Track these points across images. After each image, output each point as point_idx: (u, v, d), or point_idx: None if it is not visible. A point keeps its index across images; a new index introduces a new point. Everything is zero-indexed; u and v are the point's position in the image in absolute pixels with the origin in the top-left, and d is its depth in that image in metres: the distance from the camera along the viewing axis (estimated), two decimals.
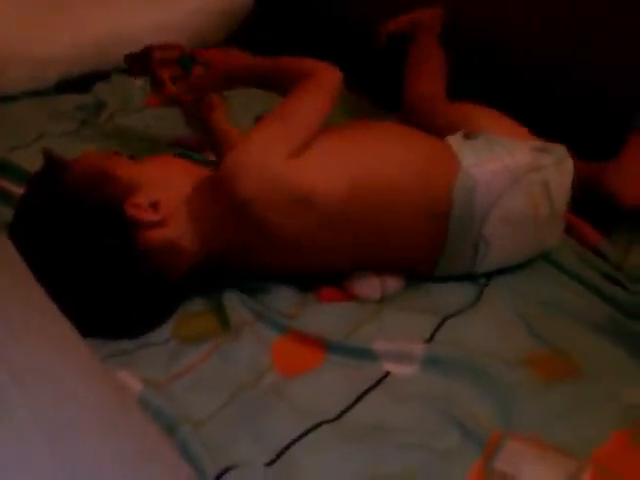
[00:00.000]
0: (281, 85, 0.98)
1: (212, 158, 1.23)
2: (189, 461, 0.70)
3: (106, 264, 0.84)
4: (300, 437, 0.76)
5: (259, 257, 0.93)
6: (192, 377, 0.83)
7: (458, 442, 0.76)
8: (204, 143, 1.24)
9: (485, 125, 1.04)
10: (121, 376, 0.79)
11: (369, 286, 0.97)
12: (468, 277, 1.01)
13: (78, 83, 1.47)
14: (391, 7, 1.43)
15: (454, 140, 1.03)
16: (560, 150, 1.02)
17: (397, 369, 0.85)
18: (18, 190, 1.10)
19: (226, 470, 0.71)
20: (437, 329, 0.91)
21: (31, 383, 0.54)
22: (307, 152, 0.91)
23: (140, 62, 1.15)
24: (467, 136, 1.03)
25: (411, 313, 0.94)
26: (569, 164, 1.01)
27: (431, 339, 0.90)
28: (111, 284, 0.85)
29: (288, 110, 0.93)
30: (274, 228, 0.88)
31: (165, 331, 0.90)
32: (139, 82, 1.49)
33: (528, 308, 0.96)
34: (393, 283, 0.98)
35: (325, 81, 0.97)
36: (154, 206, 0.87)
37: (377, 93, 1.47)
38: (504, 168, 0.96)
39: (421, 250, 0.97)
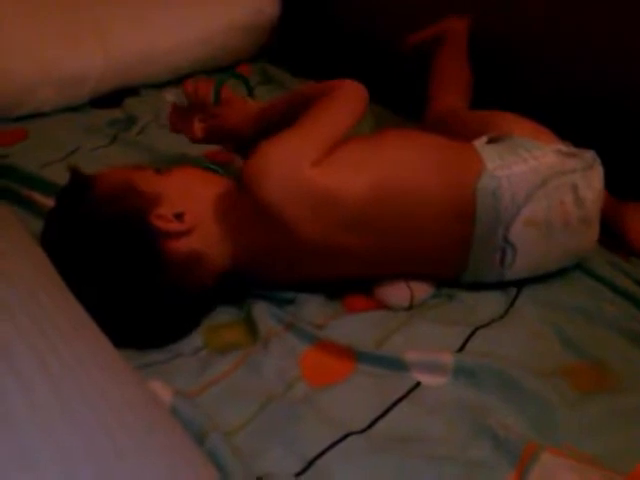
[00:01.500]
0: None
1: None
2: (219, 470, 0.70)
3: (132, 275, 0.85)
4: (330, 447, 0.75)
5: (285, 264, 0.93)
6: (222, 387, 0.83)
7: (491, 453, 0.75)
8: (232, 158, 1.24)
9: (508, 129, 1.03)
10: (153, 386, 0.79)
11: (398, 294, 0.96)
12: (499, 286, 1.00)
13: (109, 99, 1.50)
14: (415, 22, 1.43)
15: (478, 143, 1.01)
16: (589, 155, 0.99)
17: (428, 379, 0.84)
18: (50, 203, 1.13)
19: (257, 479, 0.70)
20: (468, 339, 0.90)
21: (66, 388, 0.55)
22: (330, 158, 0.91)
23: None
24: (491, 140, 1.02)
25: (442, 323, 0.93)
26: (599, 170, 0.99)
27: (462, 349, 0.89)
28: (138, 294, 0.85)
29: (313, 118, 0.94)
30: (298, 230, 0.88)
31: (196, 341, 0.90)
32: (169, 97, 1.51)
33: (560, 317, 0.95)
34: (422, 291, 0.97)
35: (351, 93, 0.98)
36: (179, 217, 0.88)
37: (400, 105, 1.46)
38: (529, 170, 0.94)
39: (447, 253, 0.96)
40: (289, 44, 1.74)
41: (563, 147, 1.00)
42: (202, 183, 0.95)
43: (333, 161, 0.91)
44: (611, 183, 1.03)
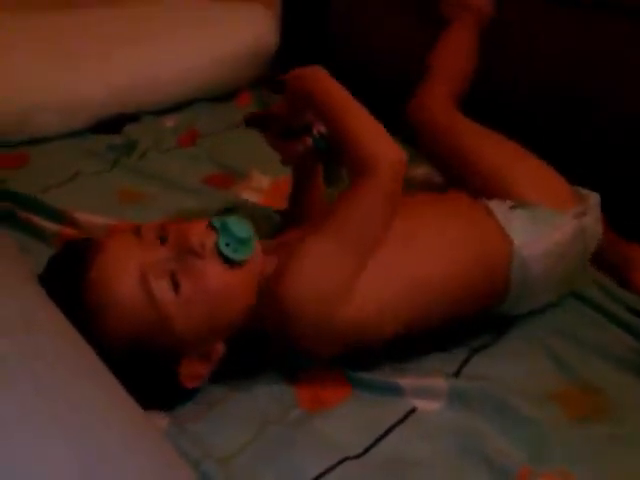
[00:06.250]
0: (337, 140, 0.89)
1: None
2: None
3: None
4: (326, 472, 0.75)
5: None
6: (217, 413, 0.84)
7: (486, 478, 0.75)
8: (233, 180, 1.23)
9: (522, 191, 0.98)
10: (148, 412, 0.79)
11: None
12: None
13: (109, 125, 1.52)
14: (412, 55, 1.40)
15: (499, 210, 0.96)
16: (594, 200, 0.99)
17: (423, 404, 0.84)
18: (50, 226, 1.14)
19: None
20: (464, 364, 0.91)
21: (62, 407, 0.55)
22: (366, 276, 0.84)
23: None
24: (512, 207, 0.97)
25: (437, 348, 0.93)
26: (599, 211, 1.00)
27: (458, 374, 0.89)
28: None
29: (347, 228, 0.84)
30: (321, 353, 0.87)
31: None
32: (169, 123, 1.53)
33: (553, 342, 0.95)
34: None
35: (389, 180, 0.84)
36: (206, 356, 0.81)
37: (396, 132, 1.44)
38: (554, 246, 0.93)
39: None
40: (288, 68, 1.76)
41: (578, 208, 0.98)
42: (229, 291, 0.81)
43: (369, 281, 0.84)
44: (617, 223, 1.07)
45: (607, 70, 1.27)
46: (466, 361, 0.91)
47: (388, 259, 0.85)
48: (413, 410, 0.84)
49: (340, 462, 0.76)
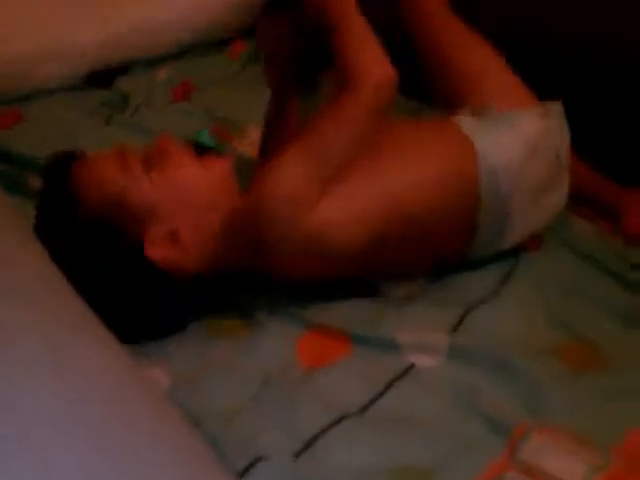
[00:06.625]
0: (334, 52, 0.91)
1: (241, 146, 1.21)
2: (217, 452, 0.71)
3: (126, 286, 0.85)
4: (327, 428, 0.77)
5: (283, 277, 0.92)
6: (220, 370, 0.85)
7: (483, 433, 0.76)
8: (229, 135, 1.23)
9: (491, 95, 1.03)
10: (151, 372, 0.81)
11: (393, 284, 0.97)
12: (490, 266, 1.00)
13: (100, 78, 1.49)
14: None
15: (465, 122, 1.00)
16: (558, 108, 1.03)
17: (422, 361, 0.85)
18: None
19: (256, 461, 0.72)
20: (461, 320, 0.91)
21: (67, 380, 0.56)
22: (336, 184, 0.87)
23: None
24: (475, 113, 1.02)
25: (435, 304, 0.94)
26: (564, 120, 1.03)
27: (455, 330, 0.90)
28: (126, 292, 0.85)
29: (325, 138, 0.87)
30: (289, 270, 0.89)
31: (194, 326, 0.91)
32: (162, 76, 1.51)
33: (550, 297, 0.96)
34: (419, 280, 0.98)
35: (370, 96, 0.87)
36: (173, 236, 0.86)
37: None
38: (517, 140, 0.97)
39: (451, 247, 0.97)
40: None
41: (540, 109, 1.02)
42: (198, 182, 0.89)
43: (338, 190, 0.87)
44: (612, 169, 1.06)
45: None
46: (464, 317, 0.91)
47: (359, 173, 0.88)
48: (411, 366, 0.85)
49: (341, 418, 0.78)
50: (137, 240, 0.84)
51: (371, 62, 0.88)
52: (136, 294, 0.85)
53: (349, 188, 0.87)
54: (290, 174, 0.85)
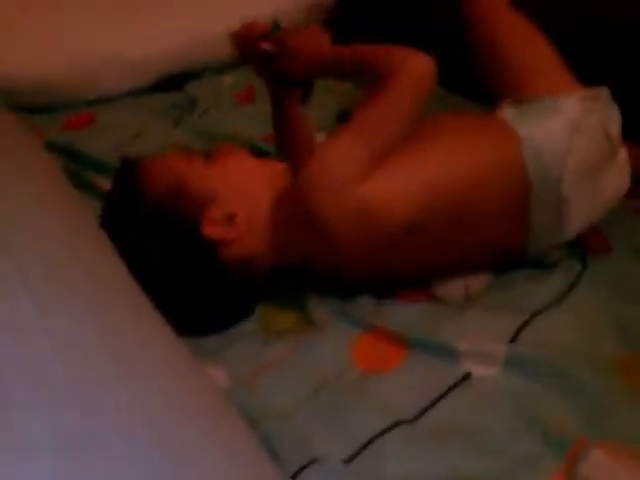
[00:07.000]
0: (367, 76, 0.96)
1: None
2: (271, 454, 0.73)
3: (185, 270, 0.88)
4: (379, 434, 0.77)
5: (333, 267, 0.94)
6: (277, 371, 0.86)
7: (540, 447, 0.75)
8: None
9: (541, 94, 1.03)
10: (210, 372, 0.82)
11: (451, 286, 0.96)
12: (557, 269, 0.99)
13: (170, 83, 1.53)
14: None
15: (507, 114, 1.02)
16: (604, 92, 1.02)
17: (479, 370, 0.84)
18: None
19: (309, 463, 0.73)
20: (522, 328, 0.89)
21: (133, 374, 0.58)
22: (381, 168, 0.89)
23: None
24: (516, 104, 1.04)
25: (495, 312, 0.92)
26: (611, 102, 1.03)
27: (515, 339, 0.88)
28: (189, 286, 0.89)
29: (369, 123, 0.91)
30: (347, 246, 0.89)
31: (252, 326, 0.93)
32: (228, 81, 1.53)
33: (618, 305, 0.93)
34: (477, 282, 0.97)
35: (412, 81, 0.91)
36: (230, 219, 0.89)
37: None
38: (560, 122, 0.97)
39: (507, 237, 0.97)
40: (349, 17, 1.72)
41: (583, 93, 1.02)
42: (255, 175, 0.95)
43: (384, 172, 0.89)
44: None
45: None
46: (525, 325, 0.89)
47: (402, 159, 0.90)
48: (468, 375, 0.84)
49: (393, 425, 0.78)
50: (196, 222, 0.87)
51: (406, 57, 0.92)
52: (194, 280, 0.88)
53: (392, 173, 0.89)
54: (337, 152, 0.89)
